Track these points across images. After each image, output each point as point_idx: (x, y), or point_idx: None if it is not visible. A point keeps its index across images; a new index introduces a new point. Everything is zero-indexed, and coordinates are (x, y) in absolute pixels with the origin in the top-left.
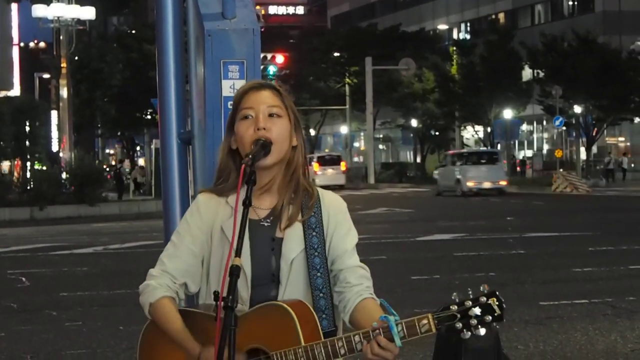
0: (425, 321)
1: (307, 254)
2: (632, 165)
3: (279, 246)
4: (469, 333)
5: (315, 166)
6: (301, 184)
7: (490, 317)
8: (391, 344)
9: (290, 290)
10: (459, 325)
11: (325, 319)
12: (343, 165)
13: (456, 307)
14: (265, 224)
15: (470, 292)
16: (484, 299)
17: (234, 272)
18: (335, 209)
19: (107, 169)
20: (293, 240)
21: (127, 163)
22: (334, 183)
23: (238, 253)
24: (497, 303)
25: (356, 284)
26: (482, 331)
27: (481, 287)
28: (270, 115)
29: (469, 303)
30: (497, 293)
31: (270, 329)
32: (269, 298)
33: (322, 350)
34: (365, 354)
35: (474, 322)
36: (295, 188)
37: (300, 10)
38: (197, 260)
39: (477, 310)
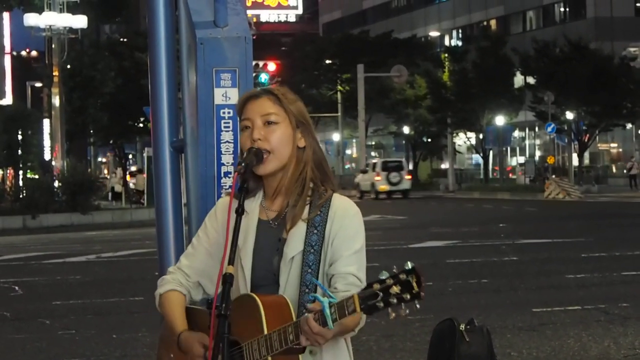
0: (351, 301)
1: (304, 251)
2: None
3: (283, 247)
4: (394, 313)
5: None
6: (308, 183)
7: (409, 296)
8: (323, 329)
9: (289, 290)
10: (381, 304)
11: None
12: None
13: (378, 285)
14: (274, 226)
15: (394, 270)
16: (403, 275)
17: (227, 280)
18: (342, 212)
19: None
20: (295, 240)
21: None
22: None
23: (231, 262)
24: (415, 280)
25: (342, 290)
26: (405, 310)
27: (406, 265)
28: (268, 122)
29: (390, 281)
30: (416, 269)
31: (242, 320)
32: None
33: (277, 337)
34: (301, 339)
35: (394, 300)
36: (302, 188)
37: (292, 17)
38: (214, 261)
39: (397, 288)
